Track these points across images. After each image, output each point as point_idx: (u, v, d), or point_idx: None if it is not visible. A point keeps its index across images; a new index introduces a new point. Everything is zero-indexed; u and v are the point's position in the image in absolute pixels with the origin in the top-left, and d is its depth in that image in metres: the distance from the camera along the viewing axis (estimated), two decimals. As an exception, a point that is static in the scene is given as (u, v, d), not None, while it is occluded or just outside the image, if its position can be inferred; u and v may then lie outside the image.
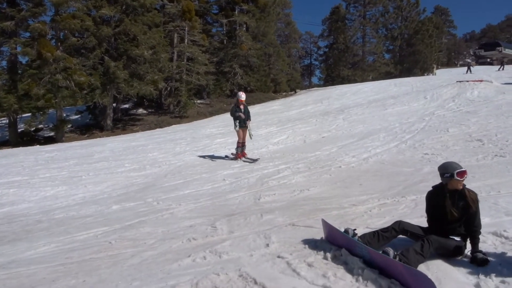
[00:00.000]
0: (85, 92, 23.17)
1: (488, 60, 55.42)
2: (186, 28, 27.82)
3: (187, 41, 28.25)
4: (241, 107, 9.88)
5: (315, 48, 66.79)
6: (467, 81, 19.97)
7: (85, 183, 8.60)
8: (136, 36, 23.68)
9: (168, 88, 28.36)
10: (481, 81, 19.70)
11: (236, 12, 32.26)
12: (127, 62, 23.79)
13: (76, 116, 27.67)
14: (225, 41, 33.17)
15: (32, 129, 23.52)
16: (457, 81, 20.45)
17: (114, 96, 24.69)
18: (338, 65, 47.92)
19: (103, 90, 23.28)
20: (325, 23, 56.20)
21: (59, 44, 21.98)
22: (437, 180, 3.61)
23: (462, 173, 3.37)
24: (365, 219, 4.65)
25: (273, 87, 35.03)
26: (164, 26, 27.95)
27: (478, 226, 3.32)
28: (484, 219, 4.09)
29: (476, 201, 3.35)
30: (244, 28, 33.06)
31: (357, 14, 48.19)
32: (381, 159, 8.39)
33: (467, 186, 3.47)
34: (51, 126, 24.22)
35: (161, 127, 24.63)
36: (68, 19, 20.86)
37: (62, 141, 21.80)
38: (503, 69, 33.79)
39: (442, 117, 12.95)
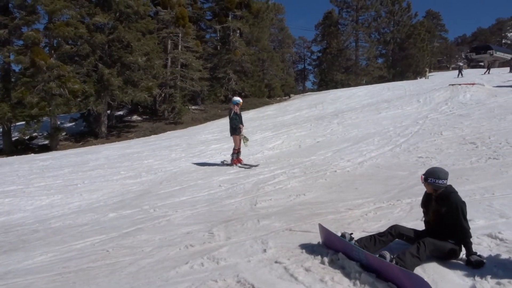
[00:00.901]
0: (79, 99, 23.12)
1: (480, 63, 56.05)
2: (180, 35, 27.90)
3: (181, 47, 28.31)
4: (238, 112, 9.93)
5: (309, 53, 67.29)
6: (460, 84, 20.16)
7: (81, 191, 8.57)
8: (130, 43, 23.72)
9: (163, 95, 28.39)
10: (473, 84, 19.88)
11: (230, 18, 32.43)
12: (121, 69, 23.79)
13: (70, 124, 27.60)
14: (218, 47, 33.31)
15: (26, 138, 23.40)
16: (449, 85, 20.64)
17: (108, 103, 24.66)
18: (331, 69, 48.24)
19: (97, 97, 23.25)
20: (318, 28, 56.67)
21: (52, 51, 21.94)
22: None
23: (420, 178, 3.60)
24: (361, 223, 4.67)
25: (267, 92, 35.13)
26: (157, 32, 28.01)
27: (463, 230, 3.32)
28: (479, 221, 4.15)
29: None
30: (237, 34, 33.21)
31: (349, 19, 48.68)
32: (376, 163, 8.44)
33: (458, 191, 3.50)
34: (45, 134, 24.10)
35: (156, 133, 24.62)
36: (61, 27, 20.85)
37: (56, 149, 21.71)
38: (489, 72, 33.52)
39: (436, 121, 13.06)
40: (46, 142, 23.77)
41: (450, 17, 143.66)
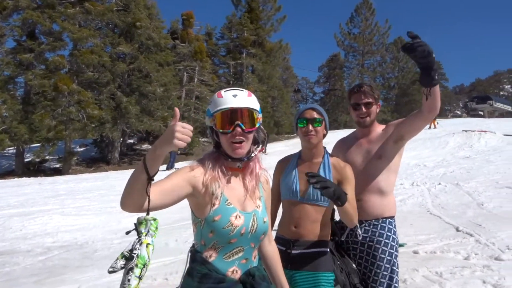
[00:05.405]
0: (94, 125, 23.34)
1: (480, 112, 57.56)
2: (197, 68, 28.60)
3: (196, 80, 28.97)
4: None
5: (311, 94, 68.87)
6: (473, 130, 20.69)
7: (122, 213, 8.56)
8: (149, 73, 24.27)
9: (174, 125, 28.65)
10: (486, 131, 20.42)
11: (244, 55, 33.37)
12: (139, 98, 24.19)
13: (82, 149, 27.62)
14: (231, 82, 34.06)
15: (38, 160, 23.37)
16: (463, 130, 21.15)
17: (123, 130, 24.86)
18: (335, 110, 49.17)
19: (113, 124, 23.47)
20: (321, 70, 58.29)
21: (74, 77, 22.36)
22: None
23: None
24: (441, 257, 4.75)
25: (276, 129, 35.62)
26: (174, 65, 28.70)
27: None
28: None
29: None
30: (250, 71, 34.08)
31: (355, 62, 50.19)
32: (418, 202, 8.54)
33: None
34: (57, 157, 24.09)
35: (167, 163, 24.64)
36: (86, 54, 21.39)
37: (68, 173, 21.63)
38: (435, 127, 29.70)
39: (459, 164, 13.30)
40: (58, 165, 23.73)
41: (449, 66, 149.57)
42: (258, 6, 36.34)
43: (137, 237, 1.33)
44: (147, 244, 1.32)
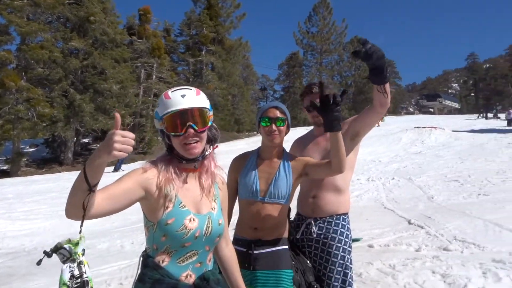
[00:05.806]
0: (45, 124, 22.23)
1: (430, 109, 60.60)
2: (155, 65, 27.97)
3: (154, 77, 28.33)
4: None
5: (271, 91, 69.32)
6: (424, 127, 21.71)
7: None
8: (104, 70, 23.43)
9: (132, 123, 27.90)
10: (436, 127, 21.49)
11: (203, 52, 33.03)
12: (94, 96, 23.31)
13: (32, 149, 26.26)
14: (191, 79, 33.61)
15: (-18, 162, 22.01)
16: (415, 127, 22.13)
17: (77, 129, 23.88)
18: (295, 108, 49.76)
19: (66, 123, 22.48)
20: (281, 68, 58.77)
21: (23, 74, 21.18)
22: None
23: None
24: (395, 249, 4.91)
25: (236, 127, 35.55)
26: (131, 62, 27.90)
27: None
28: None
29: None
30: (210, 68, 33.79)
31: (314, 61, 51.04)
32: (373, 197, 8.80)
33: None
34: (4, 159, 22.77)
35: (124, 163, 23.92)
36: (36, 49, 20.30)
37: (17, 175, 20.49)
38: (378, 125, 27.82)
39: (411, 160, 13.89)
40: (5, 167, 22.42)
41: (402, 65, 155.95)
42: (217, 3, 36.05)
43: (70, 260, 1.22)
44: (87, 263, 1.24)
